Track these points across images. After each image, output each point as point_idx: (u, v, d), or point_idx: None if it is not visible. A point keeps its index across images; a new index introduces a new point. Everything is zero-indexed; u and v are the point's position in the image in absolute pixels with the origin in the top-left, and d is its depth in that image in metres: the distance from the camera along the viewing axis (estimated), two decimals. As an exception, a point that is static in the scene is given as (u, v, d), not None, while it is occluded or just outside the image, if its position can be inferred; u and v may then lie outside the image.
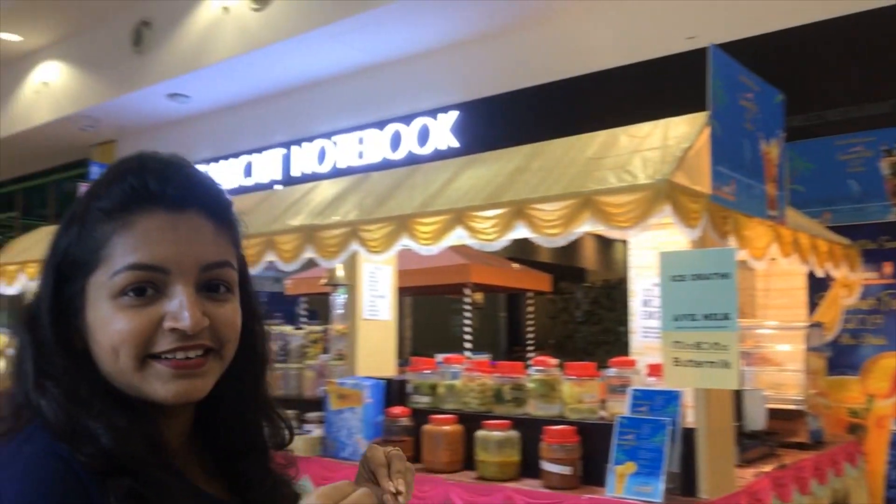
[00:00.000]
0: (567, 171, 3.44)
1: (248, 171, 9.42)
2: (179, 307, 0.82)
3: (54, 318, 0.85)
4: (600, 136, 3.68)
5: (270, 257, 4.67)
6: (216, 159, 9.75)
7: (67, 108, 9.94)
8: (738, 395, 3.55)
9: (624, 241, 4.78)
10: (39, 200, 14.00)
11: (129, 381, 0.83)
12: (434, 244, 3.76)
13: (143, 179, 0.84)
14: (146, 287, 0.82)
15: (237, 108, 9.46)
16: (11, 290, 6.11)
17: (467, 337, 6.88)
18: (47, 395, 0.82)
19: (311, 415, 4.51)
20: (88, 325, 0.84)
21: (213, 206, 0.89)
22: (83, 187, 8.97)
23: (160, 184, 0.84)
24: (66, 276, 0.85)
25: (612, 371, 3.55)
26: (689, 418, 3.15)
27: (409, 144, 7.75)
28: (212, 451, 0.95)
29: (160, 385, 0.82)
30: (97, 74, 9.57)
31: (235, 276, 0.90)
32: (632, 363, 3.61)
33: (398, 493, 0.92)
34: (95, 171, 10.19)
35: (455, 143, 7.38)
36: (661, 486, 2.96)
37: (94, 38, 9.60)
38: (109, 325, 0.82)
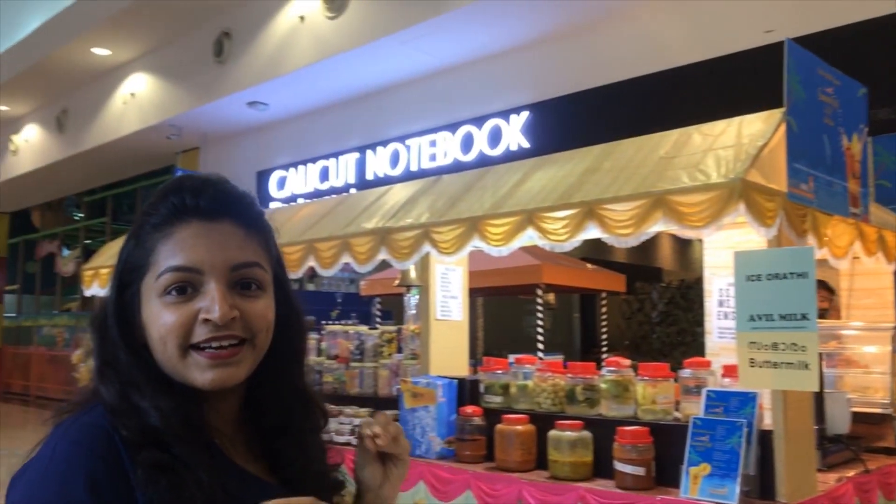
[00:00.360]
0: (639, 170, 3.42)
1: (324, 176, 9.64)
2: (211, 301, 0.94)
3: (118, 317, 0.99)
4: (673, 135, 3.64)
5: (346, 259, 4.79)
6: (294, 164, 10.02)
7: (153, 118, 10.39)
8: (819, 398, 3.46)
9: (701, 241, 4.71)
10: (128, 206, 14.66)
11: (175, 369, 0.95)
12: (504, 245, 3.80)
13: (181, 196, 0.98)
14: (186, 286, 0.95)
15: (313, 115, 9.70)
16: (104, 292, 6.44)
17: (539, 338, 6.87)
18: (106, 380, 0.96)
19: (387, 412, 4.60)
20: (144, 321, 0.97)
21: (244, 216, 1.02)
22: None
23: (195, 198, 0.98)
24: (126, 281, 0.99)
25: (686, 372, 3.51)
26: (766, 420, 3.10)
27: (481, 146, 7.80)
28: (257, 434, 1.05)
29: (199, 373, 0.95)
30: (181, 85, 9.97)
31: (266, 275, 1.02)
32: (707, 364, 3.56)
33: (375, 435, 1.12)
34: (180, 178, 10.62)
35: (526, 144, 7.39)
36: (736, 488, 2.92)
37: (177, 51, 10.00)
38: (158, 319, 0.95)
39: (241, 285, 0.98)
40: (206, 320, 0.94)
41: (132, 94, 10.76)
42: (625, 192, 3.28)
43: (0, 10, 10.17)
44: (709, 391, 3.27)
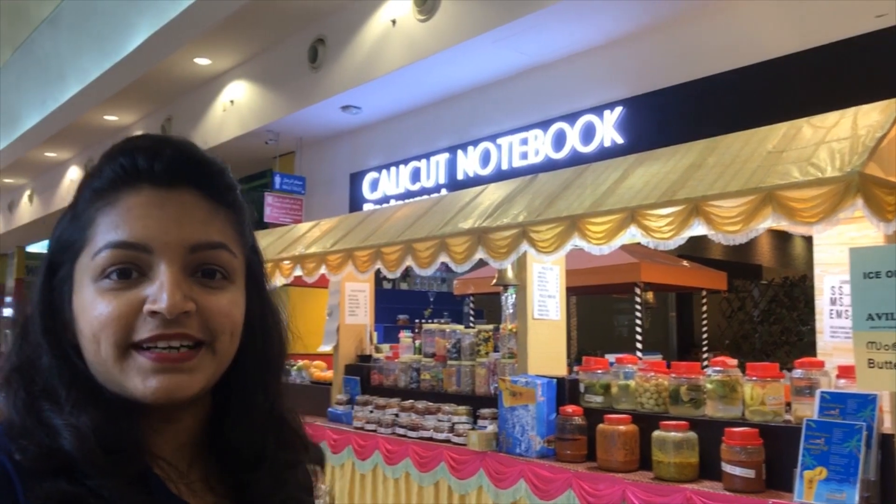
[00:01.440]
0: (746, 165, 3.33)
1: (415, 177, 9.77)
2: (159, 288, 0.74)
3: (44, 307, 0.79)
4: (781, 128, 3.53)
5: (443, 258, 4.86)
6: (386, 166, 10.19)
7: (252, 124, 10.76)
8: (943, 401, 3.29)
9: (805, 237, 4.52)
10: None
11: (109, 374, 0.75)
12: (606, 243, 3.77)
13: (131, 157, 0.78)
14: (130, 269, 0.75)
15: (404, 116, 9.84)
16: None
17: (638, 337, 6.77)
18: (12, 388, 0.76)
19: (485, 411, 4.65)
20: (75, 312, 0.77)
21: (210, 185, 0.81)
22: (269, 198, 9.63)
23: (148, 160, 0.77)
24: (57, 262, 0.79)
25: (797, 372, 3.40)
26: (887, 424, 2.97)
27: (573, 143, 7.73)
28: (221, 464, 0.85)
29: (140, 380, 0.74)
30: (278, 91, 10.30)
31: (236, 262, 0.81)
32: (820, 364, 3.44)
33: None
34: (278, 182, 10.98)
35: (620, 140, 7.28)
36: (855, 494, 2.81)
37: (274, 58, 10.34)
38: (91, 309, 0.75)
39: (203, 272, 0.78)
40: (154, 313, 0.74)
41: (232, 102, 11.17)
42: (732, 188, 3.21)
43: (110, 27, 10.75)
44: (823, 392, 3.16)
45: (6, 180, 18.35)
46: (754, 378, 3.48)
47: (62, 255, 0.79)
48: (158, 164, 0.78)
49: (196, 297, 0.76)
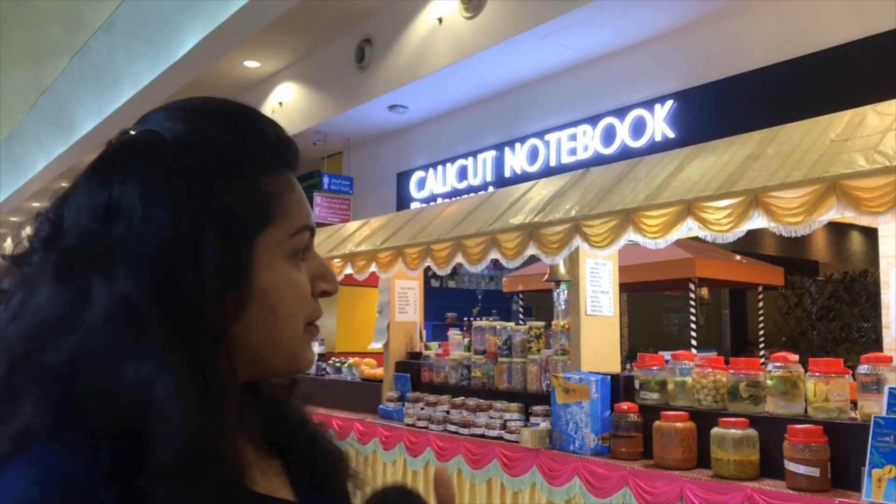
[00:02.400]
0: (808, 155, 3.24)
1: (462, 175, 9.76)
2: (325, 269, 0.79)
3: (221, 284, 0.68)
4: (845, 116, 3.42)
5: (494, 255, 4.84)
6: (432, 165, 10.20)
7: (300, 125, 10.88)
8: None
9: (864, 232, 4.38)
10: (277, 210, 15.47)
11: (289, 349, 0.75)
12: (662, 237, 3.70)
13: (280, 139, 0.78)
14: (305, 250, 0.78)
15: (451, 115, 9.84)
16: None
17: (693, 334, 6.64)
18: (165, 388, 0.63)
19: (537, 408, 4.61)
20: (258, 289, 0.71)
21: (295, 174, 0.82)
22: (318, 198, 9.72)
23: (292, 148, 0.80)
24: (233, 232, 0.71)
25: (863, 368, 3.30)
26: (962, 421, 2.86)
27: (623, 137, 7.63)
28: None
29: (308, 352, 0.78)
30: (326, 92, 10.39)
31: None
32: (888, 360, 3.32)
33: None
34: (327, 182, 11.09)
35: (671, 134, 7.17)
36: (929, 493, 2.71)
37: (322, 59, 10.43)
38: (293, 287, 0.74)
39: None
40: (325, 292, 0.79)
41: (280, 104, 11.31)
42: (794, 178, 3.12)
43: (162, 32, 10.98)
44: (892, 388, 3.05)
45: (63, 184, 18.90)
46: (817, 374, 3.39)
47: (233, 226, 0.70)
48: (294, 152, 0.80)
49: None
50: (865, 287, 9.64)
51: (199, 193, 0.69)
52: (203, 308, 0.66)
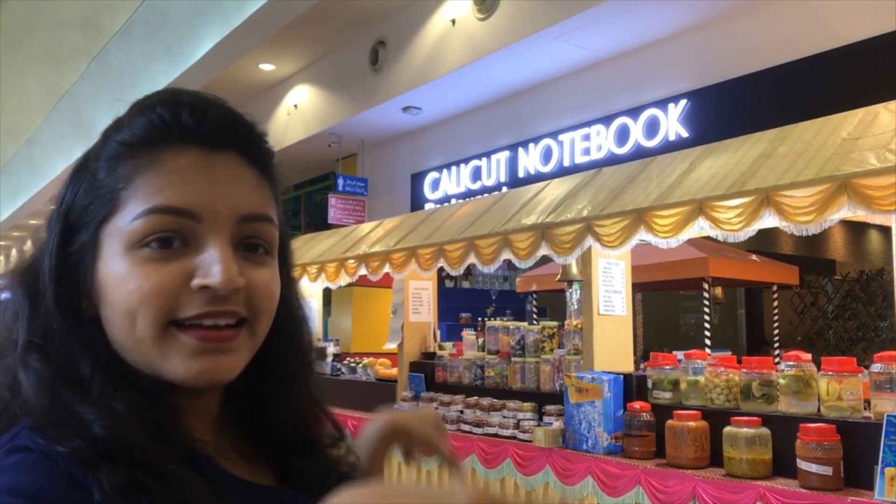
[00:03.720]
0: (819, 154, 3.24)
1: (475, 176, 9.79)
2: (211, 260, 0.68)
3: (58, 276, 0.69)
4: (857, 115, 3.42)
5: (506, 255, 4.86)
6: (446, 166, 10.23)
7: (315, 127, 10.95)
8: None
9: (882, 230, 4.37)
10: (292, 212, 15.55)
11: (145, 356, 0.68)
12: (674, 237, 3.71)
13: (175, 111, 0.70)
14: (172, 238, 0.68)
15: (465, 116, 9.87)
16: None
17: (707, 333, 6.63)
18: (30, 372, 0.66)
19: (550, 407, 4.63)
20: (100, 284, 0.69)
21: (255, 152, 0.74)
22: (333, 199, 9.77)
23: (196, 118, 0.70)
24: (75, 225, 0.70)
25: (877, 367, 3.29)
26: (975, 419, 2.85)
27: (637, 137, 7.63)
28: (254, 445, 0.80)
29: (182, 361, 0.67)
30: (340, 94, 10.45)
31: (276, 237, 0.76)
32: (901, 358, 3.31)
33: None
34: (341, 183, 11.15)
35: (685, 133, 7.16)
36: (942, 491, 2.71)
37: (336, 62, 10.50)
38: (126, 282, 0.67)
39: (246, 246, 0.72)
40: (204, 287, 0.67)
41: (295, 106, 11.39)
42: (805, 177, 3.13)
43: (179, 36, 11.09)
44: (905, 387, 3.05)
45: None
46: (830, 373, 3.38)
47: (82, 217, 0.70)
48: (206, 124, 0.70)
49: (242, 271, 0.70)
50: (882, 286, 9.56)
51: (62, 191, 0.73)
52: (60, 301, 0.69)
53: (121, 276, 0.67)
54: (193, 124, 0.70)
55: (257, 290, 0.71)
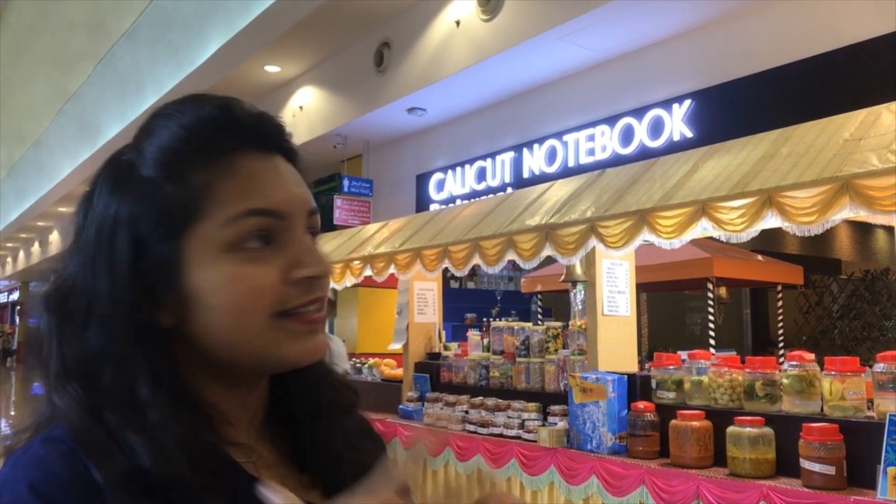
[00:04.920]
0: (821, 154, 3.25)
1: (480, 176, 9.80)
2: (308, 252, 0.74)
3: (136, 295, 0.69)
4: (859, 116, 3.43)
5: (510, 256, 4.88)
6: (451, 167, 10.26)
7: (320, 129, 10.98)
8: None
9: (886, 228, 4.38)
10: (298, 213, 15.60)
11: (253, 347, 0.72)
12: (677, 237, 3.73)
13: (233, 115, 0.74)
14: (266, 236, 0.72)
15: (470, 117, 9.89)
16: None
17: (711, 333, 6.63)
18: (68, 398, 0.68)
19: (555, 407, 4.65)
20: (194, 290, 0.70)
21: (291, 152, 0.80)
22: (338, 200, 9.80)
23: (252, 125, 0.75)
24: (147, 239, 0.70)
25: (879, 366, 3.30)
26: (978, 419, 2.86)
27: (641, 138, 7.64)
28: (276, 412, 0.84)
29: (294, 344, 0.73)
30: (345, 96, 10.49)
31: None
32: (904, 358, 3.32)
33: None
34: (347, 185, 11.18)
35: (689, 134, 7.16)
36: (944, 490, 2.72)
37: (341, 63, 10.53)
38: (233, 283, 0.70)
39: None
40: (307, 278, 0.73)
41: (300, 107, 11.43)
42: (807, 178, 3.14)
43: (185, 38, 11.14)
44: (907, 387, 3.06)
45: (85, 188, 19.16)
46: (833, 372, 3.40)
47: (152, 232, 0.70)
48: (261, 129, 0.76)
49: None
50: (887, 285, 9.55)
51: (117, 202, 0.71)
52: (120, 314, 0.68)
53: (225, 279, 0.70)
54: (253, 131, 0.75)
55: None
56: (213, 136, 0.73)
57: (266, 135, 0.76)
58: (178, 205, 0.70)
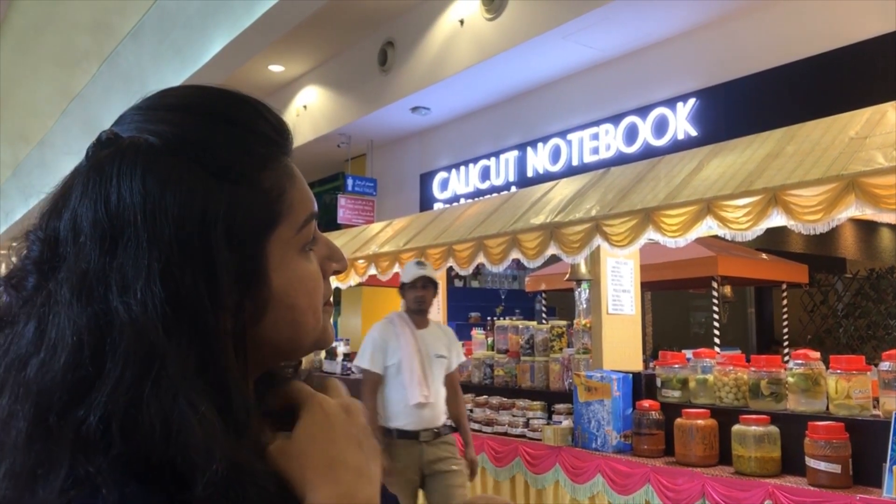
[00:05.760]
0: (827, 153, 3.25)
1: (484, 175, 9.80)
2: (332, 248, 0.78)
3: (222, 301, 0.64)
4: (865, 114, 3.43)
5: (515, 255, 4.88)
6: (455, 166, 10.26)
7: (324, 128, 10.99)
8: None
9: (892, 226, 4.36)
10: (302, 212, 15.61)
11: (313, 337, 0.75)
12: (682, 236, 3.73)
13: (272, 125, 0.73)
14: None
15: (474, 116, 9.89)
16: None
17: (716, 332, 6.63)
18: (201, 420, 0.59)
19: (560, 406, 4.66)
20: (276, 291, 0.69)
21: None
22: (342, 199, 9.81)
23: (284, 132, 0.74)
24: (240, 242, 0.67)
25: (885, 365, 3.30)
26: (984, 417, 2.85)
27: (645, 136, 7.63)
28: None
29: (329, 329, 0.78)
30: (349, 95, 10.49)
31: None
32: (909, 357, 3.32)
33: None
34: (350, 184, 11.19)
35: (694, 132, 7.15)
36: (950, 489, 2.72)
37: (345, 63, 10.53)
38: (309, 280, 0.73)
39: None
40: (336, 271, 0.79)
41: (304, 107, 11.43)
42: (812, 177, 3.14)
43: (189, 38, 11.16)
44: (913, 385, 3.06)
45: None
46: (839, 371, 3.40)
47: (237, 235, 0.66)
48: (287, 136, 0.75)
49: None
50: (892, 284, 9.53)
51: (202, 203, 0.65)
52: (220, 324, 0.63)
53: (302, 278, 0.72)
54: (285, 138, 0.74)
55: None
56: (275, 141, 0.72)
57: (291, 141, 0.76)
58: (262, 209, 0.69)
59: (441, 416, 4.00)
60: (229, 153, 0.68)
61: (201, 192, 0.65)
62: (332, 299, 0.80)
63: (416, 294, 4.06)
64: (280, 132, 0.73)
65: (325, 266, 0.77)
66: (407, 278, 4.09)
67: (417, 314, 4.08)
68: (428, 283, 4.07)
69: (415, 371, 3.90)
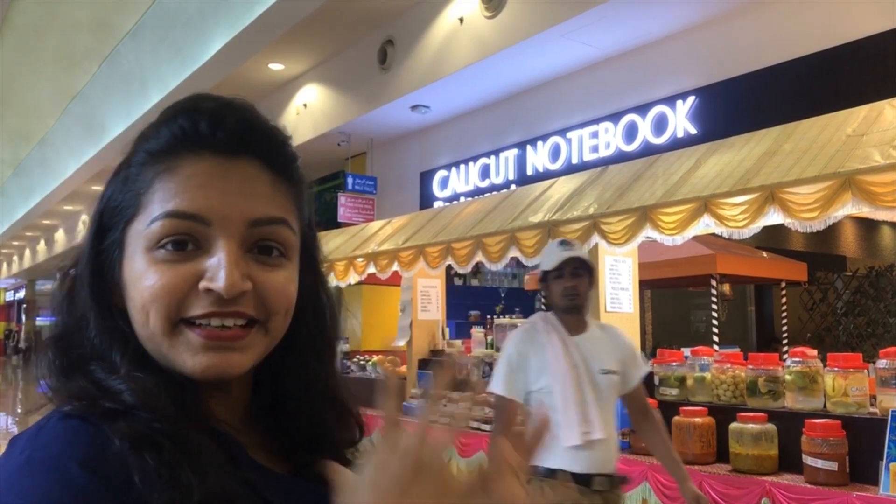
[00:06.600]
0: (824, 150, 3.25)
1: (484, 174, 9.81)
2: (217, 265, 0.71)
3: (93, 269, 0.76)
4: (862, 112, 3.43)
5: (513, 253, 4.89)
6: (455, 164, 10.26)
7: (324, 126, 10.99)
8: None
9: (892, 224, 4.36)
10: (302, 211, 15.60)
11: (157, 348, 0.72)
12: (679, 234, 3.73)
13: (193, 120, 0.73)
14: (186, 241, 0.71)
15: (473, 114, 9.89)
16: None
17: (714, 330, 6.63)
18: (56, 351, 0.74)
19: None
20: (124, 280, 0.74)
21: (273, 156, 0.77)
22: (342, 198, 9.81)
23: (212, 126, 0.73)
24: (107, 225, 0.76)
25: (882, 363, 3.30)
26: (980, 415, 2.86)
27: (645, 134, 7.63)
28: (275, 438, 0.81)
29: (189, 356, 0.71)
30: (349, 94, 10.49)
31: (294, 238, 0.78)
32: (907, 354, 3.32)
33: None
34: (351, 182, 11.19)
35: (693, 130, 7.15)
36: (947, 486, 2.72)
37: (345, 61, 10.54)
38: (142, 280, 0.71)
39: (260, 249, 0.74)
40: (209, 290, 0.70)
41: (304, 105, 11.44)
42: (809, 174, 3.14)
43: (188, 37, 11.16)
44: (910, 383, 3.06)
45: (94, 188, 19.26)
46: (836, 369, 3.40)
47: (112, 218, 0.75)
48: (222, 130, 0.73)
49: (253, 274, 0.72)
50: (892, 282, 9.53)
51: (106, 191, 0.78)
52: (84, 290, 0.76)
53: (138, 275, 0.71)
54: (209, 131, 0.73)
55: (269, 292, 0.73)
56: (167, 136, 0.74)
57: (228, 138, 0.73)
58: (128, 198, 0.75)
59: (616, 456, 2.91)
60: (131, 151, 0.77)
61: (110, 183, 0.78)
62: (215, 324, 0.71)
63: (565, 285, 2.79)
64: (191, 128, 0.73)
65: (200, 281, 0.71)
66: (549, 264, 2.84)
67: (569, 313, 2.84)
68: (580, 269, 2.80)
69: (569, 398, 2.74)
